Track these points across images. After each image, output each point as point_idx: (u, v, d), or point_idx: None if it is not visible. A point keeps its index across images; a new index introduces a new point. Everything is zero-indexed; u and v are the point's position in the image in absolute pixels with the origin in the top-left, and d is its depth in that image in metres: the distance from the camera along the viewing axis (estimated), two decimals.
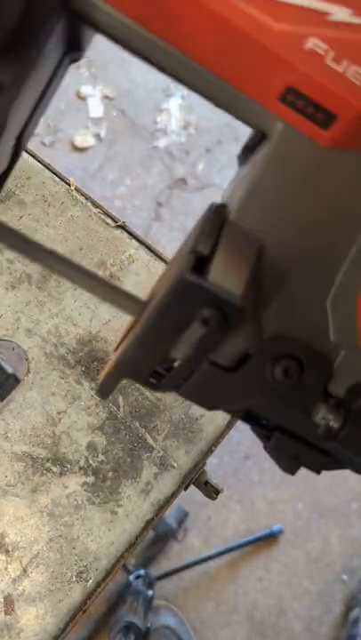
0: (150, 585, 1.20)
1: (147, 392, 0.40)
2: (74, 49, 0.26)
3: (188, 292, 0.21)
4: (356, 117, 0.21)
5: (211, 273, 0.21)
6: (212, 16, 0.20)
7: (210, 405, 0.27)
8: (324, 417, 0.23)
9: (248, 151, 0.26)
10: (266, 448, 0.27)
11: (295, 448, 0.27)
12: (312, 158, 0.23)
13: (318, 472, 0.28)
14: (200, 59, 0.22)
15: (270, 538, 1.30)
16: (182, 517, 1.30)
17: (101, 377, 0.28)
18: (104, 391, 0.29)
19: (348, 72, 0.20)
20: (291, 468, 0.28)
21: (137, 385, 0.40)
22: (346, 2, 0.20)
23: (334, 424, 0.23)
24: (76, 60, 0.27)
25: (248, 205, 0.23)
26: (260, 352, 0.24)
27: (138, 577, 1.20)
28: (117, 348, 0.30)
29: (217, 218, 0.24)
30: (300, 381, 0.23)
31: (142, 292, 0.42)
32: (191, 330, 0.22)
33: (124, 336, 0.29)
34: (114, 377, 0.27)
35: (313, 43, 0.20)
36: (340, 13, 0.20)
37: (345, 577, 1.29)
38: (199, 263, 0.22)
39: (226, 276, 0.21)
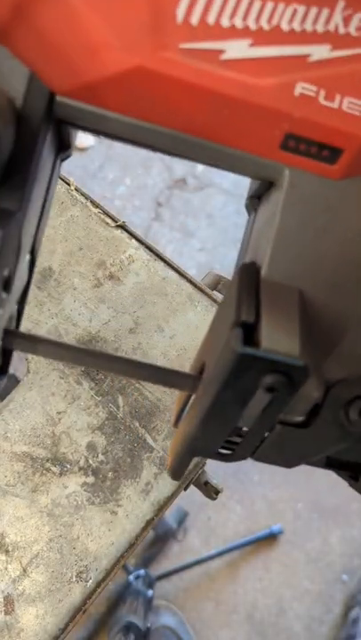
0: (150, 585, 1.20)
1: (146, 392, 0.40)
2: (63, 149, 0.26)
3: (245, 365, 0.20)
4: None
5: (263, 339, 0.21)
6: (203, 91, 0.20)
7: (290, 464, 0.27)
8: None
9: (256, 199, 0.26)
10: (353, 487, 0.27)
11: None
12: (327, 194, 0.22)
13: None
14: (198, 132, 0.22)
15: (270, 538, 1.30)
16: (182, 517, 1.30)
17: (170, 459, 0.28)
18: (177, 474, 0.28)
19: (343, 105, 0.20)
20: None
21: (137, 385, 0.40)
22: (321, 39, 0.20)
23: None
24: (66, 158, 0.27)
25: (277, 257, 0.23)
26: (330, 400, 0.23)
27: (138, 577, 1.20)
28: (176, 422, 0.29)
29: (250, 279, 0.23)
30: None
31: (142, 292, 0.42)
32: (256, 399, 0.22)
33: (180, 409, 0.28)
34: (184, 459, 0.27)
35: (302, 87, 0.20)
36: (319, 51, 0.20)
37: (345, 577, 1.29)
38: (247, 331, 0.21)
39: (279, 338, 0.21)
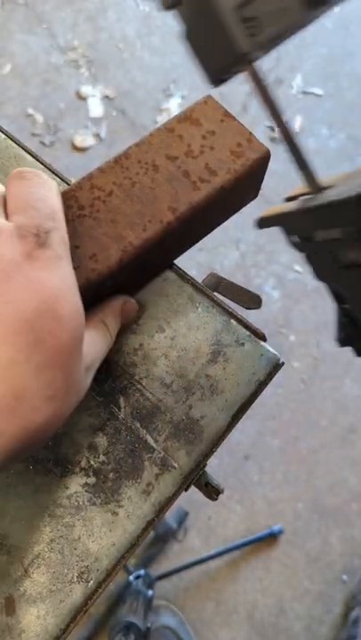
0: (150, 585, 1.20)
1: (147, 393, 0.40)
2: None
3: (350, 209, 0.26)
4: None
5: None
6: None
7: (317, 276, 0.34)
8: None
9: None
10: (339, 323, 0.35)
11: (353, 333, 0.34)
12: None
13: (359, 355, 0.36)
14: None
15: (270, 538, 1.30)
16: (182, 517, 1.30)
17: (264, 214, 0.36)
18: (261, 225, 0.38)
19: None
20: (341, 344, 0.36)
21: (138, 386, 0.40)
22: None
23: None
24: None
25: None
26: None
27: (138, 577, 1.20)
28: (290, 199, 0.35)
29: None
30: None
31: (143, 293, 0.42)
32: (334, 230, 0.28)
33: (296, 195, 0.35)
34: (273, 221, 0.36)
35: None
36: None
37: (345, 577, 1.29)
38: None
39: None
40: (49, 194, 0.32)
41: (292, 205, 0.34)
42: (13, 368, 0.27)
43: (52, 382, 0.28)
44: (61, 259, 0.30)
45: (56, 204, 0.32)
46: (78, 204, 0.37)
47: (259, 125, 1.64)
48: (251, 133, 0.40)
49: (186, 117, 0.40)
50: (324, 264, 0.32)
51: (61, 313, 0.28)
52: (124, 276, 0.38)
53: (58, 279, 0.29)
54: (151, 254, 0.38)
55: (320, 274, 0.34)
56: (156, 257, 0.40)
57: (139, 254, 0.37)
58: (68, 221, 0.35)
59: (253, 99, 1.66)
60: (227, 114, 0.41)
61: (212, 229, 0.43)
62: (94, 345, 0.34)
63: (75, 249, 0.34)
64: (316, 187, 0.32)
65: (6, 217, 0.31)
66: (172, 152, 0.39)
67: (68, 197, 0.37)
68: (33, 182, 0.32)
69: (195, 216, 0.39)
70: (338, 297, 0.35)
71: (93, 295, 0.36)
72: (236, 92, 1.67)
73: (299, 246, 0.34)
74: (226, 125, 0.40)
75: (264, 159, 0.40)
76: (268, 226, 0.37)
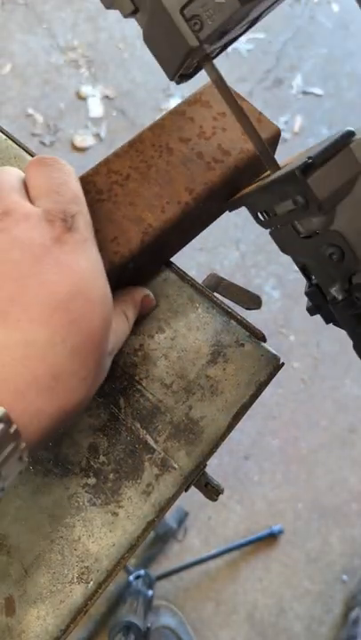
0: (150, 585, 1.20)
1: (148, 394, 0.40)
2: None
3: (293, 180, 0.31)
4: None
5: (312, 177, 0.31)
6: None
7: (282, 249, 0.37)
8: (336, 291, 0.34)
9: None
10: (306, 294, 0.38)
11: (320, 301, 0.37)
12: None
13: (326, 323, 0.39)
14: None
15: (270, 538, 1.30)
16: (182, 517, 1.30)
17: (233, 199, 0.41)
18: (231, 207, 0.42)
19: None
20: (311, 313, 0.39)
21: (138, 387, 0.40)
22: None
23: (338, 296, 0.34)
24: None
25: None
26: (323, 235, 0.33)
27: (138, 577, 1.20)
28: (252, 184, 0.40)
29: (341, 142, 0.31)
30: (337, 265, 0.33)
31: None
32: (288, 202, 0.33)
33: (260, 179, 0.40)
34: (240, 201, 0.40)
35: None
36: None
37: (345, 577, 1.30)
38: (310, 167, 0.31)
39: (321, 183, 0.31)
40: (69, 178, 0.33)
41: (252, 186, 0.38)
42: (51, 349, 0.27)
43: (86, 364, 0.29)
44: (88, 241, 0.31)
45: (78, 188, 0.33)
46: (96, 189, 0.38)
47: None
48: (261, 113, 0.41)
49: (196, 100, 0.41)
50: (287, 237, 0.36)
51: (92, 296, 0.29)
52: (144, 259, 0.38)
53: (86, 262, 0.30)
54: (169, 235, 0.39)
55: (285, 248, 0.37)
56: (174, 238, 0.41)
57: (158, 236, 0.37)
58: (87, 206, 0.36)
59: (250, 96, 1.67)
60: (236, 94, 0.41)
61: (225, 210, 0.45)
62: (115, 333, 0.34)
63: (96, 233, 0.34)
64: (274, 167, 0.36)
65: (30, 202, 0.31)
66: (184, 134, 0.40)
67: (85, 183, 0.38)
68: (54, 167, 0.33)
69: (210, 196, 0.39)
70: (303, 269, 0.38)
71: (116, 278, 0.36)
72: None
73: (264, 223, 0.38)
74: None
75: (274, 138, 0.41)
76: (236, 207, 0.42)
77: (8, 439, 0.25)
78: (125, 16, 0.35)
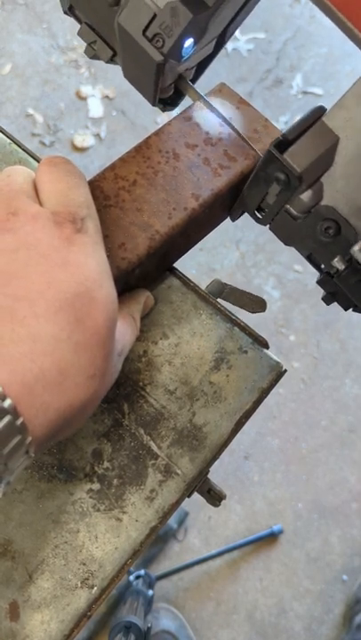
0: (150, 585, 1.20)
1: (152, 400, 0.40)
2: None
3: (271, 160, 0.33)
4: None
5: (288, 151, 0.32)
6: None
7: (284, 242, 0.38)
8: (338, 262, 0.35)
9: None
10: (318, 282, 0.38)
11: (333, 288, 0.38)
12: None
13: (345, 309, 0.39)
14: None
15: (270, 538, 1.31)
16: (182, 517, 1.30)
17: (233, 207, 0.42)
18: (233, 217, 0.44)
19: None
20: (327, 302, 0.39)
21: (142, 393, 0.41)
22: None
23: (340, 267, 0.35)
24: None
25: (336, 112, 0.32)
26: (316, 212, 0.34)
27: (138, 577, 1.20)
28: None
29: (313, 116, 0.33)
30: (335, 239, 0.34)
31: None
32: (274, 186, 0.34)
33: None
34: (238, 207, 0.42)
35: None
36: None
37: (345, 577, 1.30)
38: (284, 144, 0.32)
39: (297, 156, 0.32)
40: (80, 182, 0.33)
41: (244, 190, 0.40)
42: (56, 344, 0.27)
43: (93, 361, 0.29)
44: (97, 244, 0.31)
45: (88, 192, 0.33)
46: (104, 195, 0.38)
47: None
48: (266, 119, 0.41)
49: (202, 105, 0.41)
50: (286, 226, 0.37)
51: (97, 296, 0.29)
52: (150, 264, 0.39)
53: (94, 263, 0.30)
54: (175, 241, 0.39)
55: (287, 238, 0.38)
56: (180, 243, 0.41)
57: (165, 241, 0.38)
58: None
59: (251, 99, 1.66)
60: (242, 100, 0.42)
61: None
62: (124, 335, 0.35)
63: (104, 238, 0.34)
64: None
65: (40, 204, 0.32)
66: (191, 140, 0.40)
67: (92, 188, 0.38)
68: (65, 170, 0.33)
69: (216, 202, 0.40)
70: (310, 259, 0.39)
71: (123, 283, 0.37)
72: None
73: (262, 220, 0.39)
74: (242, 112, 0.41)
75: None
76: (238, 215, 0.43)
77: (14, 431, 0.26)
78: (107, 62, 0.37)
